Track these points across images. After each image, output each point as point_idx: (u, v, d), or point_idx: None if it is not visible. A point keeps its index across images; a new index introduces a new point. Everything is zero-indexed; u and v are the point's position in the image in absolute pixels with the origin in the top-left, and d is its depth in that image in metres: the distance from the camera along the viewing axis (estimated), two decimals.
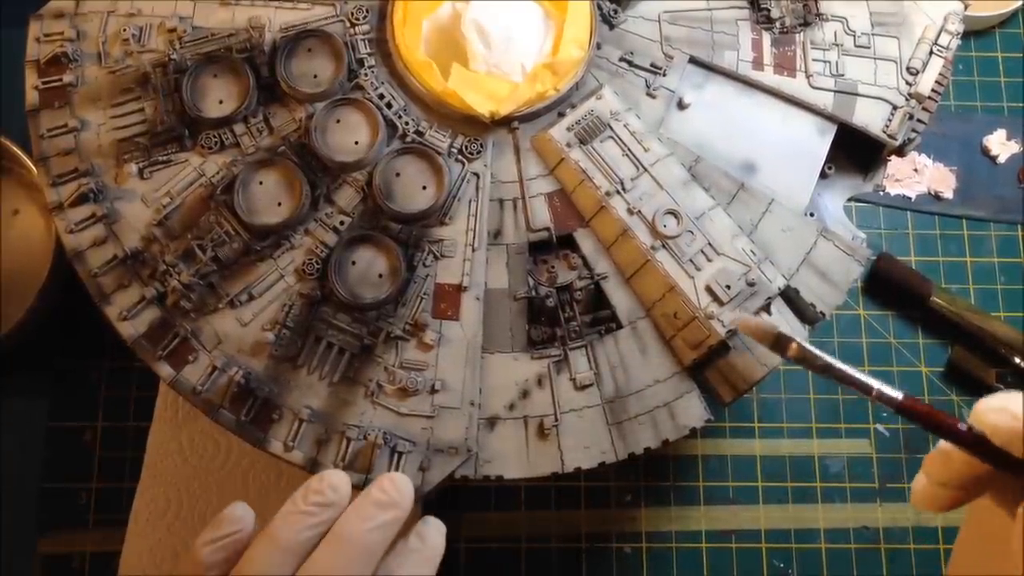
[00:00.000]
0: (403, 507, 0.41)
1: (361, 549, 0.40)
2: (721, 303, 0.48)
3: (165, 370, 0.49)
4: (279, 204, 0.50)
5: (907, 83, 0.54)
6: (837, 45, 0.55)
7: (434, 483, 0.48)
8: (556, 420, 0.49)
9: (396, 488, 0.41)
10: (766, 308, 0.49)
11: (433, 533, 0.44)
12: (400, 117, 0.52)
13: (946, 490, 0.35)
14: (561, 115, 0.52)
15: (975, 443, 0.34)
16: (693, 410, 0.49)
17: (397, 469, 0.48)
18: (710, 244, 0.49)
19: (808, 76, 0.54)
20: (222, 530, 0.40)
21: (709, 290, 0.48)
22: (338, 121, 0.51)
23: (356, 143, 0.51)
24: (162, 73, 0.52)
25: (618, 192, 0.50)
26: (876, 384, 0.37)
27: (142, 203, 0.51)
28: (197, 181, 0.51)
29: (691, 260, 0.49)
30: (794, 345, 0.40)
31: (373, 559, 0.40)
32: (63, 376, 0.67)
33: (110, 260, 0.50)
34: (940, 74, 0.54)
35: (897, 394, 0.36)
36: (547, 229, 0.51)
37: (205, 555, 0.40)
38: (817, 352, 0.39)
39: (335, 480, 0.41)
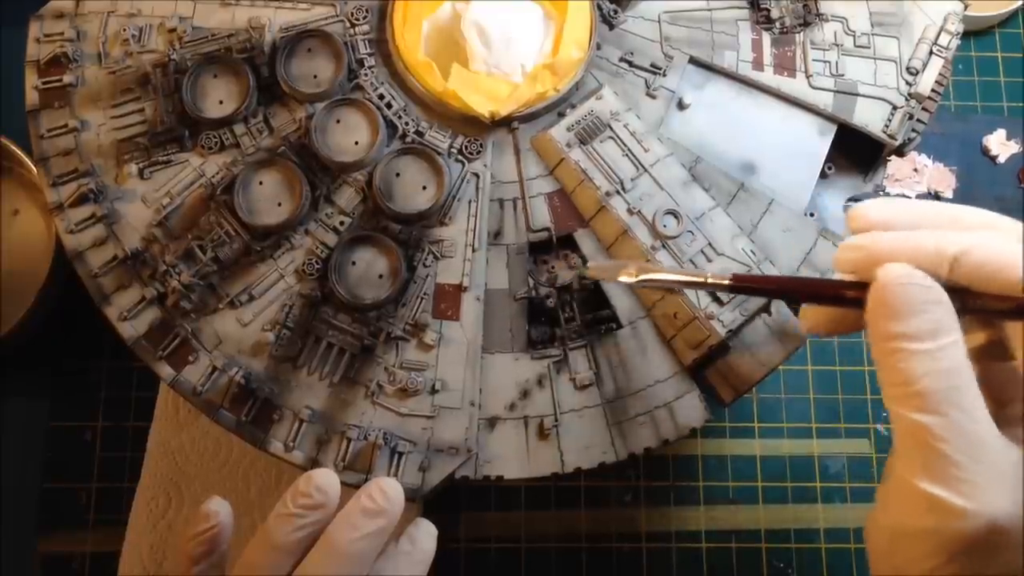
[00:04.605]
0: (392, 514, 0.42)
1: (349, 557, 0.40)
2: (721, 303, 0.48)
3: (165, 370, 0.49)
4: (279, 204, 0.50)
5: (907, 83, 0.54)
6: (837, 45, 0.55)
7: (434, 483, 0.48)
8: (556, 420, 0.49)
9: (385, 496, 0.41)
10: (766, 308, 0.49)
11: (424, 536, 0.44)
12: (400, 117, 0.52)
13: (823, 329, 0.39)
14: (561, 115, 0.52)
15: (807, 293, 0.37)
16: (693, 410, 0.49)
17: (397, 469, 0.48)
18: (710, 244, 0.49)
19: (808, 76, 0.54)
20: (199, 526, 0.42)
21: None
22: (338, 121, 0.51)
23: (356, 143, 0.51)
24: (162, 73, 0.52)
25: (618, 192, 0.50)
26: (708, 276, 0.39)
27: (142, 203, 0.51)
28: (197, 181, 0.51)
29: (691, 260, 0.49)
30: (633, 270, 0.40)
31: (363, 566, 0.41)
32: (63, 376, 0.67)
33: (110, 260, 0.50)
34: (940, 74, 0.54)
35: (726, 277, 0.38)
36: (547, 229, 0.51)
37: (189, 550, 0.42)
38: (656, 276, 0.40)
39: (321, 481, 0.41)
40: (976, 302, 0.33)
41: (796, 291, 0.38)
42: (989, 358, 0.36)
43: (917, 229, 0.35)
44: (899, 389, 0.32)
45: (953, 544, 0.30)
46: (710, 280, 0.38)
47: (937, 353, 0.31)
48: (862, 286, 0.34)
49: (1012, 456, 0.31)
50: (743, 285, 0.38)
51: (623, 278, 0.40)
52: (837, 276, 0.36)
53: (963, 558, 0.31)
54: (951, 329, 0.32)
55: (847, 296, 0.35)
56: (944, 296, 0.32)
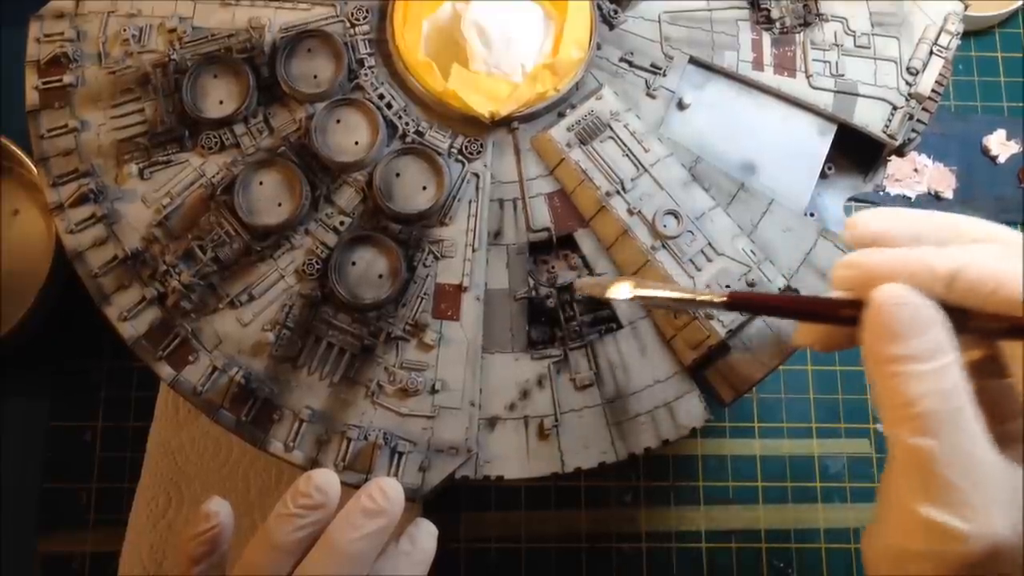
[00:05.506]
0: (392, 514, 0.42)
1: (349, 557, 0.40)
2: None
3: (165, 370, 0.49)
4: (279, 204, 0.50)
5: (907, 83, 0.54)
6: (837, 45, 0.55)
7: (434, 483, 0.48)
8: (556, 420, 0.49)
9: (385, 496, 0.42)
10: None
11: (424, 536, 0.44)
12: (400, 117, 0.52)
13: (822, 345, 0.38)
14: (561, 115, 0.52)
15: (803, 311, 0.37)
16: (693, 410, 0.49)
17: (397, 469, 0.48)
18: (710, 244, 0.49)
19: (808, 76, 0.54)
20: (199, 527, 0.42)
21: (709, 290, 0.48)
22: (338, 121, 0.51)
23: (356, 143, 0.51)
24: (162, 73, 0.52)
25: (618, 192, 0.50)
26: (703, 294, 0.38)
27: (142, 203, 0.51)
28: (197, 181, 0.51)
29: (691, 260, 0.49)
30: (628, 285, 0.40)
31: (363, 566, 0.41)
32: (63, 376, 0.67)
33: (110, 260, 0.50)
34: (940, 74, 0.54)
35: (723, 295, 0.37)
36: (547, 229, 0.51)
37: (189, 550, 0.42)
38: (649, 292, 0.40)
39: (320, 481, 0.41)
40: (973, 322, 0.32)
41: (791, 309, 0.38)
42: (984, 375, 0.35)
43: (915, 240, 0.34)
44: (898, 412, 0.31)
45: (954, 565, 0.30)
46: (706, 298, 0.38)
47: (935, 374, 0.31)
48: (857, 304, 0.33)
49: (1011, 477, 0.31)
50: (739, 303, 0.38)
51: (614, 294, 0.40)
52: (833, 293, 0.36)
53: None
54: (949, 349, 0.31)
55: (843, 315, 0.35)
56: (941, 316, 0.32)
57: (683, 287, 0.48)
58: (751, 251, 0.50)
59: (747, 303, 0.39)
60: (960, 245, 0.34)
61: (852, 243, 0.36)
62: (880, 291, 0.32)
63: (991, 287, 0.31)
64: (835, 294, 0.36)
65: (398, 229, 0.51)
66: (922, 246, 0.34)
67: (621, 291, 0.40)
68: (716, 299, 0.37)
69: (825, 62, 0.54)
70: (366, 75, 0.53)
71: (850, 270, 0.35)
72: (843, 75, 0.54)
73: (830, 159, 0.55)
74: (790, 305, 0.38)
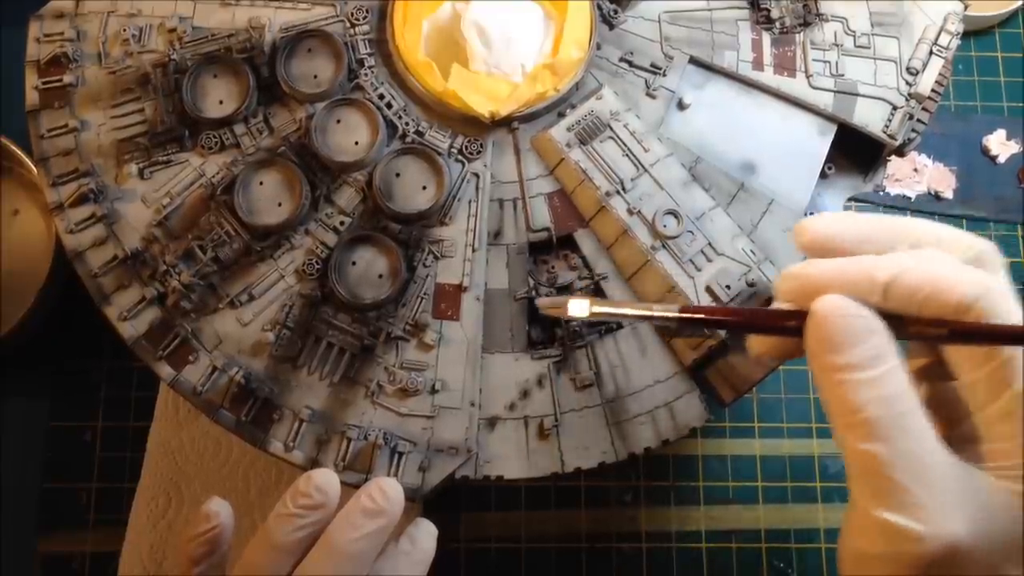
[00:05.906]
0: (392, 514, 0.42)
1: (349, 557, 0.40)
2: (720, 303, 0.48)
3: (165, 370, 0.49)
4: (279, 204, 0.50)
5: (907, 83, 0.54)
6: (837, 45, 0.55)
7: (434, 483, 0.48)
8: (556, 420, 0.49)
9: (385, 496, 0.42)
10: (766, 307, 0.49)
11: (424, 536, 0.44)
12: (400, 117, 0.52)
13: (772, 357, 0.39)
14: (561, 115, 0.52)
15: (751, 324, 0.37)
16: (693, 410, 0.49)
17: (397, 469, 0.48)
18: (710, 244, 0.49)
19: (808, 76, 0.54)
20: (200, 527, 0.42)
21: (709, 290, 0.49)
22: (338, 121, 0.51)
23: (356, 143, 0.51)
24: (162, 73, 0.52)
25: (618, 192, 0.50)
26: (655, 308, 0.38)
27: (142, 203, 0.51)
28: (197, 181, 0.51)
29: (691, 260, 0.49)
30: (582, 303, 0.39)
31: (363, 566, 0.41)
32: (63, 376, 0.67)
33: (110, 260, 0.50)
34: (940, 74, 0.54)
35: (673, 309, 0.37)
36: (547, 229, 0.51)
37: (190, 551, 0.42)
38: (606, 309, 0.39)
39: (320, 481, 0.41)
40: (911, 329, 0.33)
41: (740, 322, 0.38)
42: (936, 378, 0.36)
43: (863, 244, 0.35)
44: (845, 419, 0.32)
45: (911, 566, 0.30)
46: (657, 312, 0.38)
47: (878, 381, 0.31)
48: (800, 315, 0.34)
49: (964, 477, 0.31)
50: (689, 317, 0.37)
51: (572, 312, 0.39)
52: (779, 304, 0.36)
53: None
54: (890, 355, 0.32)
55: (788, 326, 0.35)
56: (879, 324, 0.32)
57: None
58: (751, 251, 0.50)
59: (697, 317, 0.38)
60: (905, 250, 0.34)
61: (801, 249, 0.36)
62: (819, 303, 0.33)
63: (925, 293, 0.32)
64: (781, 305, 0.36)
65: (398, 229, 0.51)
66: (866, 252, 0.34)
67: (579, 308, 0.39)
68: (668, 313, 0.37)
69: (825, 62, 0.54)
70: (366, 75, 0.53)
71: (792, 281, 0.35)
72: (843, 75, 0.54)
73: (830, 159, 0.55)
74: (738, 318, 0.38)
